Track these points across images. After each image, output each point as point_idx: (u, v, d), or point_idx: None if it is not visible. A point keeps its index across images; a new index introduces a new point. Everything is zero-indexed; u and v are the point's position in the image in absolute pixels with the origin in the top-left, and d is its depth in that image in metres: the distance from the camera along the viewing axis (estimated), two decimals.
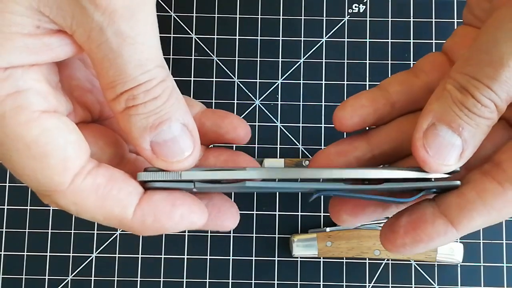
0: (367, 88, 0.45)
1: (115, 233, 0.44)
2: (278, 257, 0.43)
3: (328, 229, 0.42)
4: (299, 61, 0.45)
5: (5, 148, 0.22)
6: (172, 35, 0.45)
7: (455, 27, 0.45)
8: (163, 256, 0.43)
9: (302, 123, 0.45)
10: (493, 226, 0.43)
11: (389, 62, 0.45)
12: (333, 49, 0.45)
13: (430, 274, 0.43)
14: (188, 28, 0.45)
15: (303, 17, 0.46)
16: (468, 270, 0.43)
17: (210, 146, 0.29)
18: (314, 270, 0.43)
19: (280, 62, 0.45)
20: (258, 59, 0.45)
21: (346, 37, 0.45)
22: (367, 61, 0.45)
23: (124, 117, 0.23)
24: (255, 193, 0.44)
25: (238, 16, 0.46)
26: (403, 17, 0.46)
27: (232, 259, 0.43)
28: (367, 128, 0.29)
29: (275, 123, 0.45)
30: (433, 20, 0.46)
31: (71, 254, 0.43)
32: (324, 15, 0.46)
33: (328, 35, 0.45)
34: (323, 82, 0.45)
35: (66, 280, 0.43)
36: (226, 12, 0.46)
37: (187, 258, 0.43)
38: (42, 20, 0.21)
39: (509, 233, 0.43)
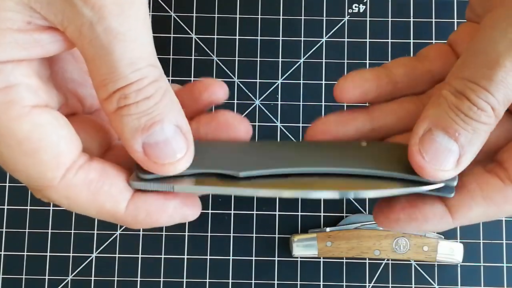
0: None
1: (115, 233, 0.44)
2: (278, 257, 0.43)
3: (328, 229, 0.42)
4: (299, 61, 0.45)
5: None
6: (172, 35, 0.45)
7: (455, 28, 0.45)
8: (163, 256, 0.43)
9: (302, 123, 0.45)
10: (493, 226, 0.43)
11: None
12: (333, 49, 0.45)
13: (430, 274, 0.43)
14: (188, 28, 0.45)
15: (303, 17, 0.46)
16: (468, 270, 0.43)
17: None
18: (314, 270, 0.43)
19: (280, 62, 0.45)
20: (258, 59, 0.45)
21: (346, 37, 0.45)
22: (367, 61, 0.45)
23: (116, 118, 0.23)
24: None
25: (238, 16, 0.46)
26: (403, 17, 0.46)
27: (232, 259, 0.43)
28: (366, 104, 0.28)
29: (275, 123, 0.45)
30: (433, 20, 0.46)
31: (71, 254, 0.43)
32: (324, 15, 0.46)
33: (328, 35, 0.45)
34: (323, 82, 0.45)
35: (66, 280, 0.43)
36: (226, 12, 0.46)
37: (187, 258, 0.43)
38: (33, 16, 0.21)
39: (509, 233, 0.43)
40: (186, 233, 0.44)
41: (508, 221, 0.43)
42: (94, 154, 0.25)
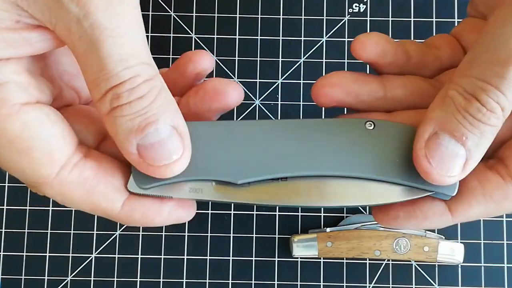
0: None
1: (115, 233, 0.44)
2: (278, 258, 0.43)
3: (328, 229, 0.42)
4: (299, 61, 0.45)
5: None
6: (172, 35, 0.45)
7: None
8: (163, 257, 0.43)
9: None
10: (494, 226, 0.43)
11: None
12: (333, 49, 0.45)
13: (431, 275, 0.43)
14: (188, 28, 0.45)
15: (303, 17, 0.45)
16: (468, 271, 0.43)
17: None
18: (314, 271, 0.43)
19: (280, 62, 0.45)
20: (258, 59, 0.45)
21: (346, 37, 0.45)
22: None
23: (110, 119, 0.22)
24: None
25: (238, 16, 0.46)
26: (403, 16, 0.46)
27: (232, 259, 0.43)
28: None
29: None
30: (434, 19, 0.45)
31: (70, 255, 0.43)
32: (324, 15, 0.46)
33: (328, 35, 0.45)
34: None
35: (66, 281, 0.43)
36: (226, 11, 0.46)
37: (187, 258, 0.43)
38: (22, 14, 0.21)
39: (509, 234, 0.43)
40: (186, 233, 0.43)
41: (509, 221, 0.43)
42: (89, 144, 0.25)
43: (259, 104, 0.45)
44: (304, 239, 0.42)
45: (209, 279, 0.43)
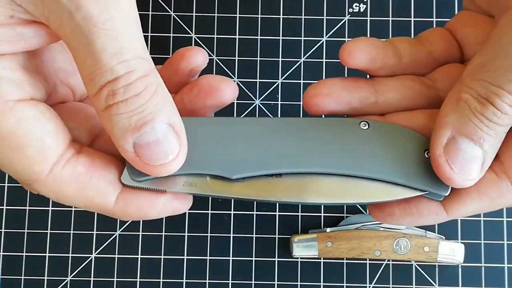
0: None
1: (115, 234, 0.43)
2: (278, 258, 0.43)
3: (328, 229, 0.42)
4: (299, 61, 0.45)
5: None
6: (171, 35, 0.45)
7: None
8: (162, 257, 0.43)
9: None
10: (494, 226, 0.43)
11: None
12: (334, 49, 0.45)
13: (431, 275, 0.43)
14: (188, 28, 0.45)
15: (303, 17, 0.45)
16: (469, 271, 0.43)
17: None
18: (314, 271, 0.43)
19: (280, 62, 0.45)
20: (258, 59, 0.45)
21: (346, 37, 0.45)
22: None
23: (106, 117, 0.22)
24: None
25: (238, 15, 0.45)
26: (403, 16, 0.45)
27: (232, 259, 0.43)
28: (367, 77, 0.28)
29: None
30: (434, 19, 0.45)
31: (70, 255, 0.43)
32: (325, 15, 0.46)
33: (329, 34, 0.45)
34: None
35: (66, 281, 0.43)
36: (226, 11, 0.45)
37: (187, 258, 0.43)
38: (16, 9, 0.21)
39: (510, 234, 0.43)
40: (186, 233, 0.43)
41: (509, 221, 0.43)
42: (83, 141, 0.25)
43: (259, 104, 0.45)
44: (304, 239, 0.42)
45: (209, 279, 0.43)
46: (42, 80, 0.24)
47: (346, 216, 0.43)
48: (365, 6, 0.46)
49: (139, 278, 0.43)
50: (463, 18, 0.28)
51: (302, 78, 0.45)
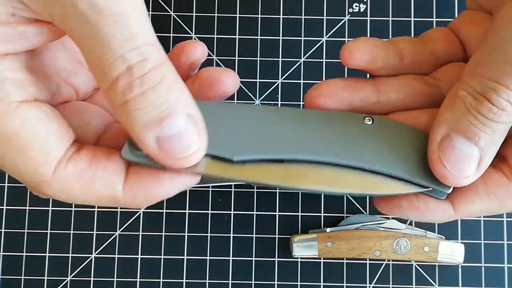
0: None
1: (115, 234, 0.43)
2: (278, 258, 0.43)
3: (328, 229, 0.42)
4: (299, 61, 0.45)
5: None
6: (171, 35, 0.45)
7: None
8: (162, 257, 0.43)
9: None
10: (494, 226, 0.43)
11: None
12: (334, 49, 0.45)
13: (431, 275, 0.43)
14: (188, 28, 0.45)
15: (303, 17, 0.45)
16: (469, 271, 0.43)
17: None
18: (314, 271, 0.43)
19: (280, 62, 0.45)
20: (258, 59, 0.45)
21: (346, 37, 0.45)
22: None
23: (123, 113, 0.21)
24: (254, 193, 0.43)
25: (238, 15, 0.45)
26: (403, 16, 0.45)
27: (232, 259, 0.43)
28: (367, 76, 0.28)
29: None
30: (434, 19, 0.45)
31: (70, 255, 0.43)
32: (325, 15, 0.46)
33: (329, 34, 0.45)
34: None
35: (66, 281, 0.43)
36: (226, 11, 0.45)
37: (187, 258, 0.43)
38: (17, 7, 0.21)
39: (510, 234, 0.43)
40: (186, 233, 0.43)
41: (509, 221, 0.43)
42: (88, 140, 0.25)
43: (259, 104, 0.45)
44: (304, 239, 0.42)
45: (209, 279, 0.43)
46: (45, 80, 0.24)
47: (346, 216, 0.43)
48: (365, 6, 0.46)
49: (139, 278, 0.43)
50: (466, 17, 0.28)
51: (302, 78, 0.45)
